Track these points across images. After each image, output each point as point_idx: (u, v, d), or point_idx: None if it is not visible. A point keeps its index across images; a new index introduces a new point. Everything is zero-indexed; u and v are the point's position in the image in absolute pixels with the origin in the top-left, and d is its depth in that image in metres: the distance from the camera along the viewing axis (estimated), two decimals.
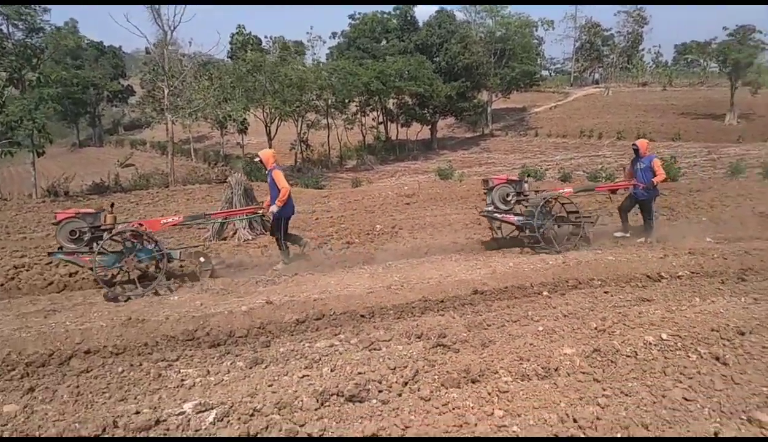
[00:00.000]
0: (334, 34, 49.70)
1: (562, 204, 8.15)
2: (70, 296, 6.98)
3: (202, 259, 7.42)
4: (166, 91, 29.58)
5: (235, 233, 11.85)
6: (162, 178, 32.29)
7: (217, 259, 8.45)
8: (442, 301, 5.56)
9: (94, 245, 6.62)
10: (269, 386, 3.87)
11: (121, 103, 69.98)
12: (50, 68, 26.79)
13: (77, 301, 6.51)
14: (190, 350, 4.71)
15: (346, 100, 38.57)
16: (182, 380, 4.13)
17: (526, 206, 8.24)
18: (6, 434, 3.23)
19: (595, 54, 77.60)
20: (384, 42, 46.75)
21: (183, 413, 3.46)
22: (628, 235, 8.80)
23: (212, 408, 3.49)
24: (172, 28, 29.23)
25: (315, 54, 60.14)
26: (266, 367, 4.30)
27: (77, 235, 6.58)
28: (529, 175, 21.52)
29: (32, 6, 25.31)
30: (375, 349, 4.46)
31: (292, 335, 5.01)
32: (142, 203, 23.62)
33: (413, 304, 5.50)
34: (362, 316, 5.29)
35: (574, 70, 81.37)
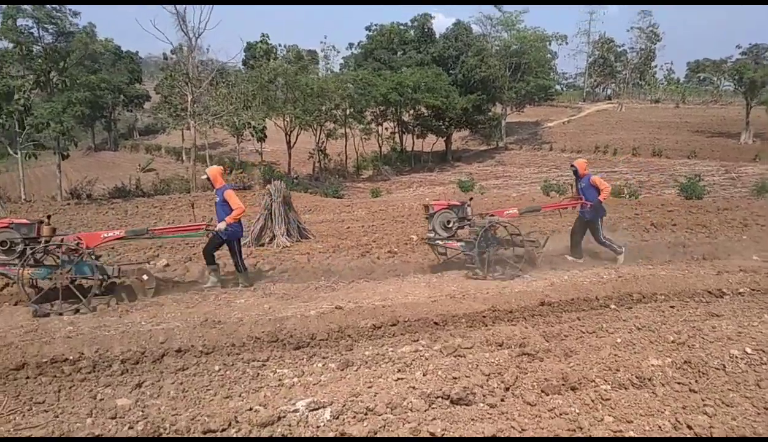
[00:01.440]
0: (351, 45, 50.23)
1: (506, 228, 7.85)
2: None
3: (145, 276, 7.07)
4: (190, 98, 29.92)
5: (273, 239, 12.09)
6: (182, 183, 32.66)
7: (270, 264, 8.63)
8: (510, 311, 5.69)
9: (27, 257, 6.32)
10: (368, 387, 4.01)
11: (136, 108, 70.57)
12: (76, 72, 27.16)
13: (146, 302, 6.68)
14: (278, 351, 4.86)
15: (364, 110, 38.88)
16: (280, 379, 4.29)
17: (469, 232, 7.89)
18: (139, 427, 3.38)
19: (608, 70, 77.92)
20: (400, 53, 47.15)
21: (297, 410, 3.61)
22: (581, 261, 8.42)
23: (324, 407, 3.63)
24: (196, 35, 29.59)
25: (328, 63, 60.56)
26: (357, 369, 4.45)
27: (8, 246, 6.33)
28: (551, 190, 21.63)
29: (63, 8, 25.71)
30: (459, 355, 4.60)
31: (371, 340, 5.15)
32: (165, 208, 23.94)
33: (483, 313, 5.63)
34: (435, 323, 5.43)
35: (587, 86, 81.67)
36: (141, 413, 3.70)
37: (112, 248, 10.10)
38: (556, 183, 22.69)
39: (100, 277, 6.65)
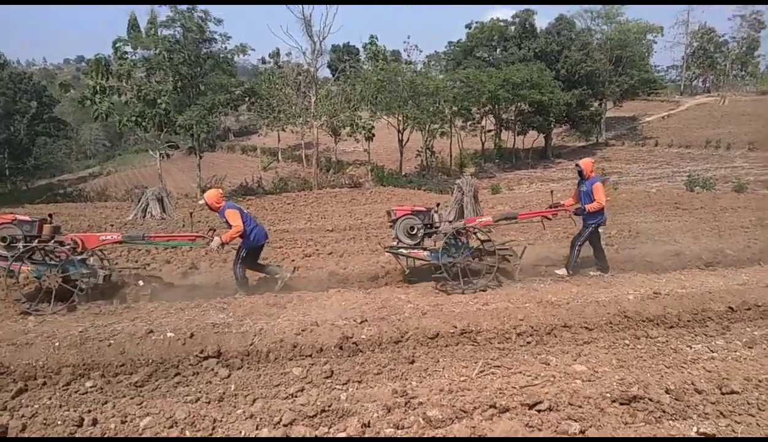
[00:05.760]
0: (450, 43, 50.34)
1: (477, 235, 7.30)
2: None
3: (140, 282, 7.13)
4: (313, 99, 31.13)
5: None
6: (298, 181, 34.10)
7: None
8: None
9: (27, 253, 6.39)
10: None
11: (232, 110, 73.62)
12: (212, 77, 28.96)
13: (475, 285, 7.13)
14: (661, 329, 5.15)
15: (470, 108, 39.00)
16: (701, 353, 4.57)
17: (435, 240, 7.29)
18: (671, 386, 3.73)
19: (708, 61, 73.86)
20: (500, 50, 46.82)
21: None
22: (605, 273, 7.68)
23: None
24: (321, 38, 30.74)
25: (412, 62, 60.85)
26: (766, 347, 4.66)
27: (8, 242, 6.36)
28: (696, 186, 20.87)
29: (208, 16, 27.43)
30: None
31: (737, 323, 5.36)
32: (297, 205, 25.14)
33: None
34: None
35: (684, 79, 77.84)
36: (617, 376, 4.07)
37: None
38: (701, 178, 21.88)
39: (90, 280, 6.54)
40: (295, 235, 13.83)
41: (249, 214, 7.35)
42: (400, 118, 34.49)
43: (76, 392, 4.11)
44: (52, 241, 6.54)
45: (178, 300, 6.66)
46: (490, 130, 46.07)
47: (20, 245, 6.33)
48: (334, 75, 52.70)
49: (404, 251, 7.31)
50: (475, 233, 7.27)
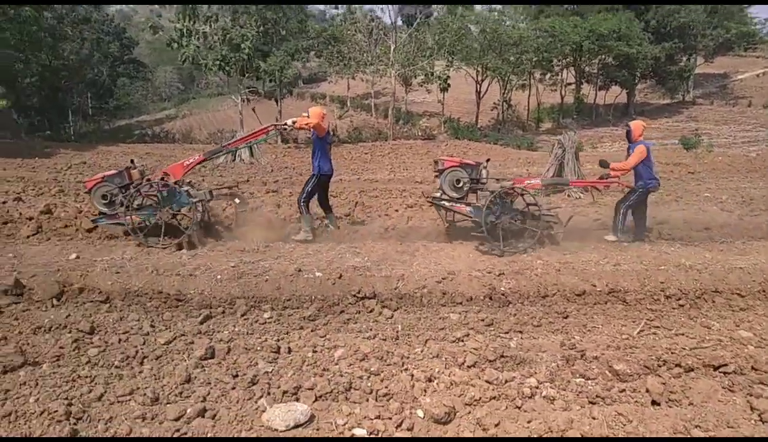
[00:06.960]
0: None
1: (523, 197, 6.90)
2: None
3: (237, 200, 7.22)
4: (392, 47, 30.71)
5: (561, 191, 12.22)
6: (372, 132, 34.16)
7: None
8: None
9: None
10: None
11: (302, 57, 73.78)
12: (292, 23, 29.00)
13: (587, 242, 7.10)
14: None
15: (552, 60, 37.47)
16: None
17: (481, 196, 6.97)
18: None
19: None
20: None
21: None
22: (627, 238, 7.22)
23: None
24: None
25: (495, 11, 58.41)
26: None
27: (109, 198, 6.50)
28: None
29: None
30: None
31: None
32: (375, 154, 25.32)
33: None
34: None
35: None
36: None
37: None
38: None
39: (199, 208, 6.69)
40: (386, 185, 14.01)
41: (330, 139, 7.43)
42: (479, 68, 33.55)
43: (256, 322, 4.45)
44: (144, 181, 6.71)
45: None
46: (569, 84, 44.20)
47: (119, 198, 6.50)
48: (408, 23, 51.67)
49: (446, 204, 7.10)
50: (522, 195, 6.92)
